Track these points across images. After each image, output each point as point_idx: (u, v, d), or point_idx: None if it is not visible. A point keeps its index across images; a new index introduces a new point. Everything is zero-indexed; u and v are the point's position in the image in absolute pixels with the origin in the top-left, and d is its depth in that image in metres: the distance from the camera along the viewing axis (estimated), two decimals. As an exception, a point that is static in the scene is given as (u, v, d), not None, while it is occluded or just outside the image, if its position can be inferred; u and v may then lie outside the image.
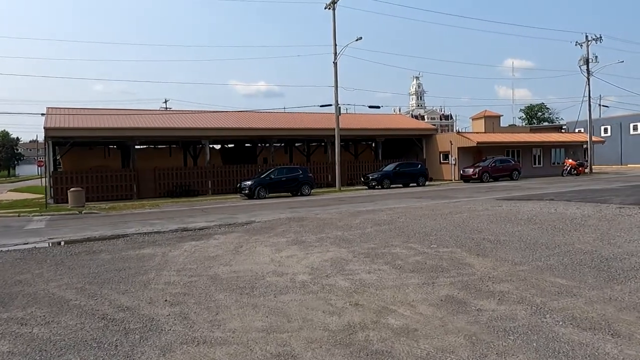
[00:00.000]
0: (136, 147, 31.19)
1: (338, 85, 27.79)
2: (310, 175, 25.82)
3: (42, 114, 27.61)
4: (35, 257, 9.43)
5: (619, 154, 56.85)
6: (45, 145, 26.24)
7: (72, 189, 21.92)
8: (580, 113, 39.30)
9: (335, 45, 27.69)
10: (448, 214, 13.68)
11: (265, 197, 23.96)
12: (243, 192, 24.08)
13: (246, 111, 36.57)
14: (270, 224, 13.38)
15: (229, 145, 38.93)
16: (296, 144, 39.35)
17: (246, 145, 37.99)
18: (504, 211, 13.61)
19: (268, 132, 31.03)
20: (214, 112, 34.13)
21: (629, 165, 53.95)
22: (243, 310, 5.46)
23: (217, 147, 38.86)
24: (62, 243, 11.48)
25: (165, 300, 5.97)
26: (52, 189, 25.32)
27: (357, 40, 26.30)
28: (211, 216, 16.34)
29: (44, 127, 24.99)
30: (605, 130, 57.55)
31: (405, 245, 9.16)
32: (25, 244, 11.54)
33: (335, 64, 27.67)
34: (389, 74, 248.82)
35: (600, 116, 63.51)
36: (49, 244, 11.30)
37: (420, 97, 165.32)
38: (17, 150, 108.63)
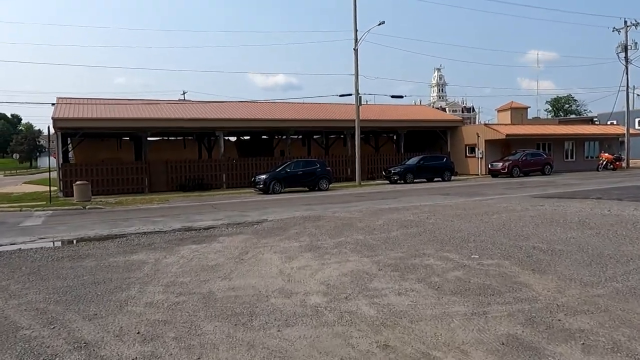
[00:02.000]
0: (149, 139, 30.23)
1: (358, 74, 26.23)
2: (329, 169, 24.39)
3: (52, 104, 26.75)
4: (11, 262, 8.24)
5: (655, 148, 53.93)
6: (54, 136, 25.39)
7: (77, 183, 20.95)
8: (615, 103, 36.99)
9: (356, 30, 26.11)
10: (483, 214, 12.10)
11: (280, 192, 22.63)
12: (257, 186, 22.79)
13: (262, 102, 35.27)
14: (283, 223, 12.02)
15: (245, 138, 37.70)
16: (314, 136, 37.91)
17: (263, 137, 36.72)
18: (548, 212, 11.97)
19: (285, 123, 29.66)
20: (228, 102, 32.89)
21: (665, 160, 51.11)
22: (234, 354, 4.08)
23: (233, 139, 37.69)
24: (50, 245, 10.30)
25: (138, 333, 4.63)
26: (61, 182, 24.46)
27: (379, 24, 24.70)
28: (220, 213, 15.07)
29: (52, 118, 24.08)
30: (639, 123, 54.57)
31: (439, 254, 7.67)
32: (11, 244, 10.42)
33: (355, 50, 26.09)
34: (410, 65, 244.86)
35: (632, 107, 60.43)
36: (34, 246, 10.13)
37: (442, 89, 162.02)
38: (39, 142, 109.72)
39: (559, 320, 4.58)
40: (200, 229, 11.57)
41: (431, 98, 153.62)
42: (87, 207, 18.09)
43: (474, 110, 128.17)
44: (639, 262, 6.66)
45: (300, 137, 37.32)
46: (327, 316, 4.94)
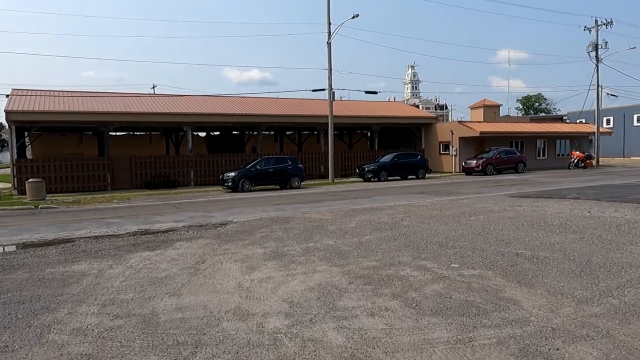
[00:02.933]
0: (112, 133, 28.84)
1: (332, 68, 25.45)
2: (301, 166, 23.56)
3: (7, 96, 25.08)
4: None
5: (622, 146, 55.08)
6: (8, 130, 23.77)
7: (30, 180, 19.53)
8: (585, 102, 37.32)
9: (329, 24, 25.31)
10: (461, 215, 11.53)
11: (250, 191, 21.71)
12: (226, 184, 21.81)
13: (233, 96, 34.09)
14: (249, 226, 11.17)
15: (215, 133, 36.49)
16: (287, 132, 37.04)
17: (233, 132, 35.61)
18: (527, 213, 11.47)
19: (256, 118, 28.66)
20: (197, 96, 31.65)
21: (632, 158, 52.18)
22: (166, 404, 3.26)
23: (202, 134, 36.46)
24: (-16, 251, 9.19)
25: (51, 374, 3.75)
26: (15, 179, 22.92)
27: (353, 17, 23.95)
28: (183, 214, 14.10)
29: (5, 110, 22.50)
30: (608, 122, 55.70)
31: (416, 263, 6.99)
32: (-60, 251, 9.26)
33: (329, 44, 25.30)
34: (384, 62, 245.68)
35: (599, 107, 61.70)
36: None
37: (416, 87, 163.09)
38: (2, 136, 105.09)
39: (557, 349, 3.92)
40: (157, 233, 10.62)
41: (405, 95, 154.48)
42: (39, 206, 16.80)
43: (446, 107, 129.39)
44: (631, 272, 6.11)
45: (272, 133, 36.36)
46: (286, 346, 4.16)
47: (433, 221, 10.75)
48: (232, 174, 21.74)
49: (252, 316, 4.96)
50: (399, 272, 6.53)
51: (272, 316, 4.94)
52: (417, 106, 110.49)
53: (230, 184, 21.49)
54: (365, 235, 9.37)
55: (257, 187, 22.51)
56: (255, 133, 30.65)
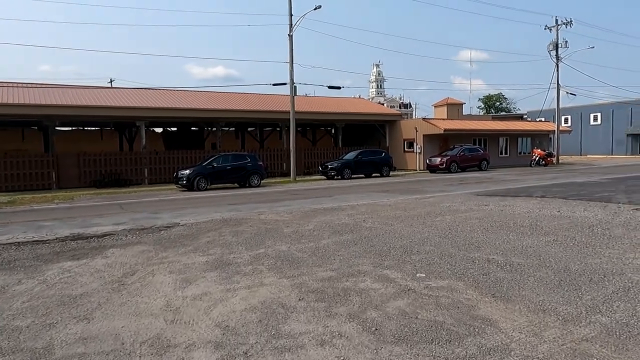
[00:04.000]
0: (59, 128, 26.92)
1: (294, 62, 24.48)
2: (260, 163, 22.48)
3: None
4: None
5: (579, 145, 56.50)
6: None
7: (-42, 178, 17.69)
8: (545, 100, 37.79)
9: (291, 15, 24.32)
10: (426, 215, 10.82)
11: (206, 189, 20.50)
12: (180, 182, 20.50)
13: (190, 89, 32.50)
14: (196, 229, 10.11)
15: (172, 129, 34.87)
16: (249, 129, 35.80)
17: (192, 128, 34.09)
18: (495, 212, 10.88)
19: (214, 114, 27.32)
20: (153, 89, 29.98)
21: (588, 156, 53.57)
22: None
23: (159, 130, 34.78)
24: None
25: None
26: (-54, 177, 20.87)
27: (315, 9, 23.01)
28: (127, 215, 12.85)
29: None
30: (566, 121, 56.94)
31: (377, 272, 6.16)
32: None
33: (290, 37, 24.30)
34: (350, 60, 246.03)
35: (559, 105, 63.11)
36: None
37: (381, 85, 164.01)
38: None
39: (549, 390, 3.13)
40: (91, 238, 9.41)
41: (370, 93, 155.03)
42: (-34, 208, 15.12)
43: (410, 106, 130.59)
44: (615, 282, 5.46)
45: (233, 129, 35.07)
46: (208, 395, 3.21)
47: (397, 222, 9.98)
48: (187, 171, 20.46)
49: (174, 348, 3.98)
50: (358, 284, 5.67)
51: (198, 348, 3.97)
52: (382, 104, 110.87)
53: (184, 182, 20.21)
54: (323, 239, 8.49)
55: (214, 186, 21.31)
56: (214, 129, 29.31)
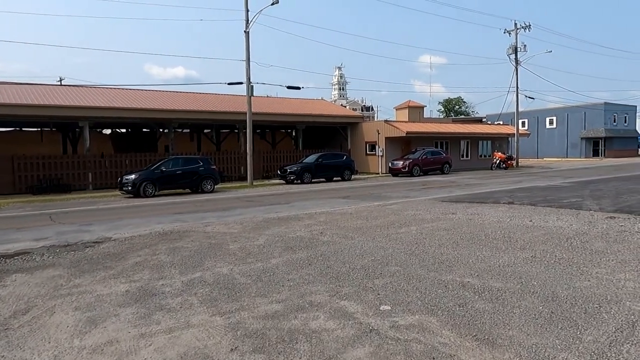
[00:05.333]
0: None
1: (250, 60, 23.19)
2: (214, 167, 21.06)
3: None
4: None
5: (536, 148, 57.67)
6: None
7: None
8: (504, 103, 37.98)
9: (247, 11, 23.05)
10: (389, 225, 9.85)
11: (154, 195, 18.93)
12: (125, 188, 18.84)
13: (139, 88, 30.53)
14: (129, 245, 8.75)
15: (122, 130, 32.82)
16: (205, 131, 34.19)
17: (144, 130, 32.19)
18: (463, 222, 10.03)
19: (166, 114, 25.64)
20: (100, 87, 27.91)
21: (545, 159, 54.68)
22: None
23: (108, 132, 32.66)
24: None
25: None
26: None
27: (272, 4, 21.82)
28: (53, 228, 11.29)
29: None
30: (523, 124, 58.00)
31: (334, 303, 5.07)
32: None
33: (246, 33, 23.02)
34: (312, 62, 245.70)
35: (518, 109, 64.39)
36: None
37: (343, 88, 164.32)
38: None
39: None
40: (-3, 258, 7.90)
41: (333, 96, 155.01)
42: None
43: (373, 109, 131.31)
44: (614, 314, 4.58)
45: (188, 131, 33.37)
46: None
47: (358, 235, 8.95)
48: (133, 176, 18.82)
49: None
50: (309, 322, 4.56)
51: None
52: (345, 107, 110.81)
53: (130, 188, 18.57)
54: (274, 257, 7.34)
55: (163, 192, 19.76)
56: (167, 131, 27.61)
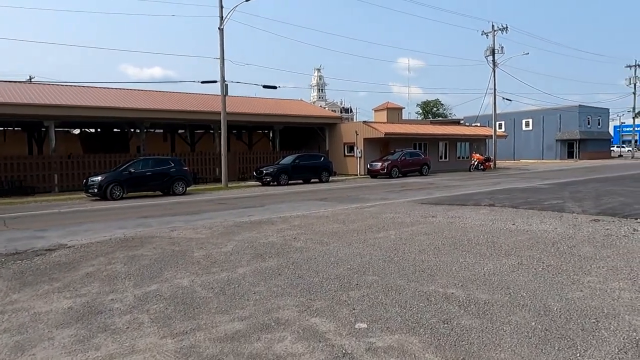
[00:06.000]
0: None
1: (225, 58, 22.46)
2: (186, 168, 20.24)
3: None
4: None
5: (512, 149, 58.14)
6: None
7: None
8: (482, 105, 38.07)
9: (222, 7, 22.32)
10: (367, 230, 9.32)
11: (122, 198, 18.04)
12: (90, 190, 17.91)
13: (114, 87, 29.41)
14: (83, 253, 8.00)
15: (91, 130, 31.63)
16: (179, 131, 33.23)
17: (115, 130, 31.07)
18: (444, 226, 9.57)
19: (137, 113, 24.66)
20: (66, 86, 26.72)
21: (521, 160, 55.14)
22: None
23: (77, 131, 31.42)
24: None
25: None
26: None
27: (246, 0, 21.14)
28: (5, 234, 10.43)
29: None
30: (500, 126, 58.42)
31: (304, 320, 4.49)
32: None
33: (221, 30, 22.28)
34: (291, 62, 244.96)
35: (496, 110, 64.90)
36: None
37: (322, 90, 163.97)
38: None
39: None
40: None
41: (311, 98, 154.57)
42: None
43: (351, 111, 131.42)
44: (613, 330, 4.11)
45: (161, 131, 32.36)
46: None
47: (334, 240, 8.39)
48: (99, 178, 17.90)
49: None
50: (273, 346, 3.97)
51: None
52: (324, 108, 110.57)
53: (95, 190, 17.65)
54: (241, 266, 6.72)
55: (132, 194, 18.87)
56: (138, 131, 26.62)
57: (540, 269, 6.11)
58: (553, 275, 5.83)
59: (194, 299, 5.28)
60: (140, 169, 18.80)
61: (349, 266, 6.53)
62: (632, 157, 55.95)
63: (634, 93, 57.58)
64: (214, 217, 12.36)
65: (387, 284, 5.64)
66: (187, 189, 20.07)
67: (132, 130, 28.59)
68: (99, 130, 31.38)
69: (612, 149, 55.87)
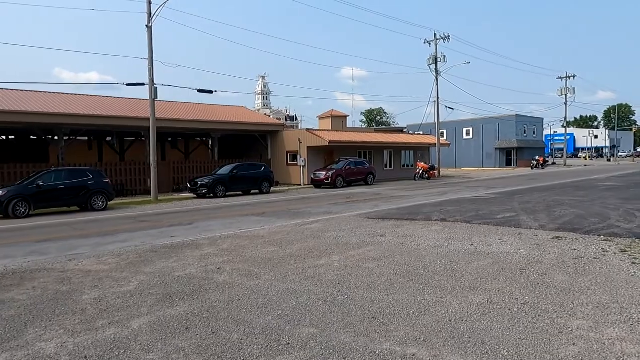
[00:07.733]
0: None
1: (153, 58, 20.47)
2: (107, 180, 17.99)
3: None
4: None
5: (454, 157, 59.07)
6: None
7: None
8: (425, 114, 38.03)
9: (150, 3, 20.36)
10: (307, 255, 7.92)
11: (28, 215, 15.64)
12: (-11, 207, 15.38)
13: (24, 89, 26.33)
14: None
15: (2, 137, 28.33)
16: (107, 138, 30.51)
17: (32, 138, 27.97)
18: (394, 247, 8.34)
19: (53, 118, 21.99)
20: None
21: (463, 169, 56.05)
22: None
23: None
24: None
25: None
26: None
27: (178, -4, 19.36)
28: None
29: None
30: (442, 135, 59.26)
31: (203, 422, 2.99)
32: None
33: (149, 28, 20.29)
34: (235, 69, 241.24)
35: (439, 119, 65.91)
36: None
37: (267, 97, 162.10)
38: None
39: None
40: None
41: (256, 105, 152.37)
42: None
43: (297, 119, 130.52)
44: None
45: (86, 139, 29.56)
46: None
47: (266, 271, 6.93)
48: (0, 192, 15.41)
49: None
50: None
51: None
52: (269, 116, 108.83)
53: (-5, 207, 15.15)
54: (138, 316, 5.11)
55: (41, 211, 16.46)
56: (56, 138, 23.90)
57: (515, 310, 4.95)
58: (533, 319, 4.68)
59: (51, 382, 3.65)
60: (52, 181, 16.41)
61: (280, 312, 5.10)
62: (565, 165, 58.32)
63: (565, 103, 60.28)
64: (130, 239, 10.53)
65: (328, 341, 4.26)
66: (109, 203, 17.86)
67: (49, 137, 25.70)
68: (9, 138, 28.12)
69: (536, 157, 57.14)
